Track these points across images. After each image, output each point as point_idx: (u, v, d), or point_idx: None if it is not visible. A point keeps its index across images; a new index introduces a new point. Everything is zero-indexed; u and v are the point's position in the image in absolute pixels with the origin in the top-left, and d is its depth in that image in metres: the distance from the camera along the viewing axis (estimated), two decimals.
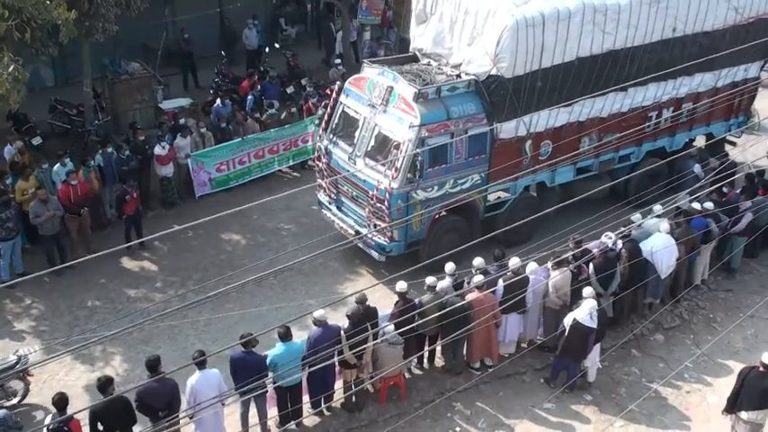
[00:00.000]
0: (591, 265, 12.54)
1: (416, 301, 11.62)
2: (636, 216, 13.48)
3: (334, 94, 15.58)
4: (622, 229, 12.63)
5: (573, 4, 14.11)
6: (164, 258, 15.34)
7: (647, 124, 16.22)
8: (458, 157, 13.98)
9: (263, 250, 15.52)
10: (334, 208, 15.25)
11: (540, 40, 13.74)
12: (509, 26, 13.38)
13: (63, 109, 19.09)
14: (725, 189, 14.98)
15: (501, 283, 11.92)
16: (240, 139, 17.71)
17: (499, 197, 15.24)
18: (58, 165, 15.11)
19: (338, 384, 11.50)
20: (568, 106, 14.59)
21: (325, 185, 15.26)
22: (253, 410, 11.01)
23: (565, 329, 11.65)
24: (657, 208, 13.42)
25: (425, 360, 12.54)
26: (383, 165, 13.64)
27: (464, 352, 12.34)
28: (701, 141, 18.17)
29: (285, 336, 10.50)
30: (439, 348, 12.38)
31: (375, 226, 13.96)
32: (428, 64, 15.27)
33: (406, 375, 12.23)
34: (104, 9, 15.83)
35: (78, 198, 14.56)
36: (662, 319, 13.81)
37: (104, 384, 9.56)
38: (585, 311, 11.43)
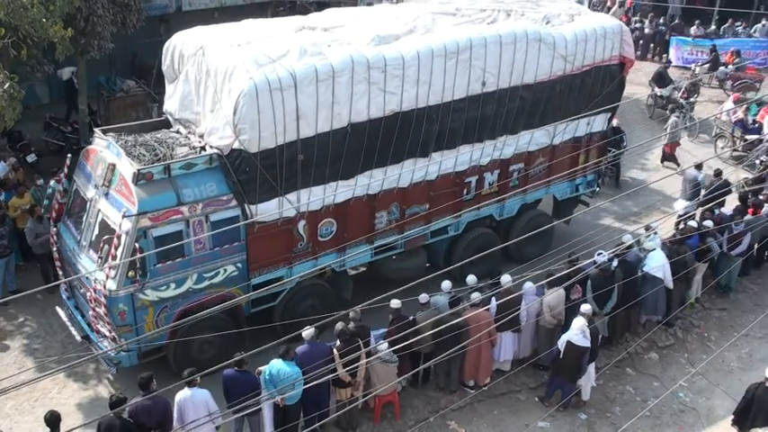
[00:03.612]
0: (589, 282, 12.58)
1: (411, 318, 11.61)
2: (627, 237, 13.52)
3: (65, 169, 13.10)
4: (616, 248, 12.69)
5: (338, 59, 11.74)
6: None
7: (465, 191, 14.09)
8: (200, 248, 11.42)
9: None
10: (71, 305, 12.77)
11: (292, 105, 11.33)
12: (245, 91, 10.96)
13: (58, 126, 19.11)
14: (716, 210, 15.12)
15: (494, 301, 11.92)
16: None
17: (284, 284, 12.45)
18: (53, 182, 15.08)
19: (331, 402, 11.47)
20: (350, 179, 12.52)
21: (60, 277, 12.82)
22: (247, 430, 11.02)
23: (559, 351, 11.63)
24: (655, 224, 13.49)
25: (419, 378, 12.50)
26: (100, 260, 11.34)
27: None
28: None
29: (285, 354, 10.44)
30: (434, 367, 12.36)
31: (106, 333, 11.49)
32: (177, 131, 12.81)
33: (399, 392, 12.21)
34: (100, 27, 15.87)
35: None
36: (656, 338, 13.82)
37: (116, 404, 9.55)
38: (577, 331, 11.42)
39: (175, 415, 10.02)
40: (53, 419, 9.41)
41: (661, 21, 29.92)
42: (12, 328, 13.65)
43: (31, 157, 17.50)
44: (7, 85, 12.10)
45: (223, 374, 10.35)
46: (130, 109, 19.61)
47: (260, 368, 10.57)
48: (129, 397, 9.97)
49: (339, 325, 11.06)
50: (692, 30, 28.98)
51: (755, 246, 15.44)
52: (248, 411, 10.03)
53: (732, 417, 11.39)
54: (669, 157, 20.25)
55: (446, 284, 12.11)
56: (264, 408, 10.65)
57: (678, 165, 20.03)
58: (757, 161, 18.88)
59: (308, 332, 10.77)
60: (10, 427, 11.48)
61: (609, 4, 33.19)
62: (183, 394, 9.96)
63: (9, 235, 13.99)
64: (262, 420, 10.88)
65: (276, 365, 10.42)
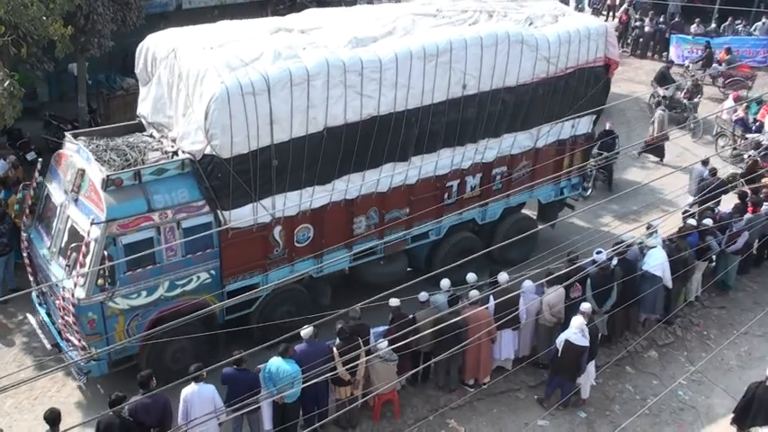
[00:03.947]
0: (589, 280, 12.58)
1: (411, 316, 11.60)
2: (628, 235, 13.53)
3: (36, 173, 12.96)
4: (615, 246, 12.68)
5: (313, 63, 11.45)
6: None
7: (446, 195, 13.89)
8: (171, 255, 11.18)
9: None
10: (43, 312, 12.53)
11: (266, 110, 11.09)
12: (217, 95, 10.70)
13: (58, 124, 19.09)
14: (716, 209, 15.13)
15: (492, 299, 11.90)
16: None
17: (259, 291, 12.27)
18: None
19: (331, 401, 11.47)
20: (327, 184, 12.29)
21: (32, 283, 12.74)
22: (247, 428, 11.03)
23: (558, 350, 11.63)
24: (657, 222, 13.50)
25: (419, 377, 12.49)
26: (68, 268, 11.18)
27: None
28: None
29: (284, 352, 10.45)
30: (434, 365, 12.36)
31: (79, 343, 11.24)
32: (150, 135, 12.58)
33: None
34: (100, 25, 15.88)
35: None
36: (656, 336, 13.83)
37: (115, 402, 9.56)
38: (575, 330, 11.42)
39: (181, 410, 10.02)
40: (53, 417, 9.40)
41: (661, 19, 29.95)
42: (11, 326, 13.65)
43: (30, 155, 17.49)
44: (7, 83, 12.12)
45: (222, 372, 10.35)
46: (130, 107, 19.43)
47: (259, 366, 10.58)
48: (129, 395, 9.97)
49: (339, 323, 11.07)
50: (692, 28, 29.00)
51: (755, 244, 15.45)
52: (248, 409, 10.05)
53: (732, 415, 11.41)
54: (651, 147, 20.32)
55: (445, 282, 12.08)
56: (264, 406, 10.67)
57: (663, 157, 20.17)
58: (746, 155, 18.89)
59: (306, 331, 10.78)
60: (9, 426, 11.48)
61: (609, 2, 33.24)
62: (189, 389, 9.97)
63: (9, 233, 13.98)
64: (261, 418, 10.90)
65: (275, 363, 10.42)
